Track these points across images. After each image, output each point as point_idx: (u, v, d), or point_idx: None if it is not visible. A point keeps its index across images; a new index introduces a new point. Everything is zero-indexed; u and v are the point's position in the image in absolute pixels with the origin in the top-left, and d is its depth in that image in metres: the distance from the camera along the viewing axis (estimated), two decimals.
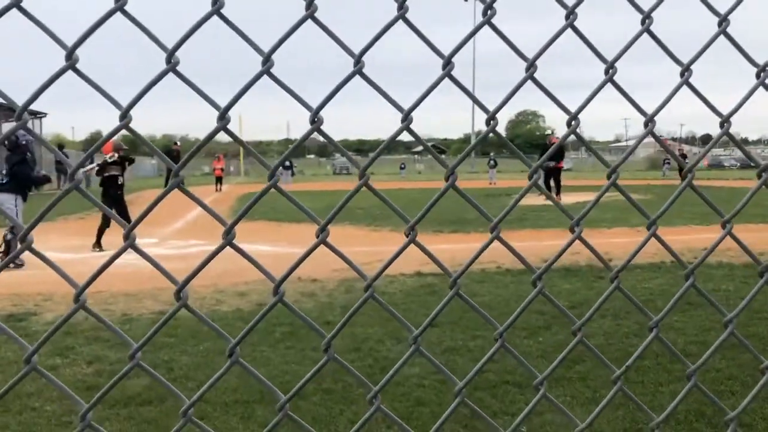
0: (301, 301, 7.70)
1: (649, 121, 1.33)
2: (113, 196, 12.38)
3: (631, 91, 1.37)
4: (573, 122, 1.30)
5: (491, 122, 1.26)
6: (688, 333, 6.15)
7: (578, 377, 4.97)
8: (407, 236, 1.24)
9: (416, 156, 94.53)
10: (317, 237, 1.17)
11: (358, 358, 5.51)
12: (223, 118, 1.13)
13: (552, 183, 22.68)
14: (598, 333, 6.12)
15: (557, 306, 1.30)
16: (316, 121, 1.18)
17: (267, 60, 1.16)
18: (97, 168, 12.64)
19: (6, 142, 10.53)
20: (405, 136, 1.27)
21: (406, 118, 1.24)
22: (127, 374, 1.11)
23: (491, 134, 1.30)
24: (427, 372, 5.04)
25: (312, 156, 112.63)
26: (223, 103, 1.14)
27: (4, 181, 10.39)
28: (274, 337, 6.11)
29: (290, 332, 6.22)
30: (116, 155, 12.55)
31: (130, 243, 1.08)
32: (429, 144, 1.46)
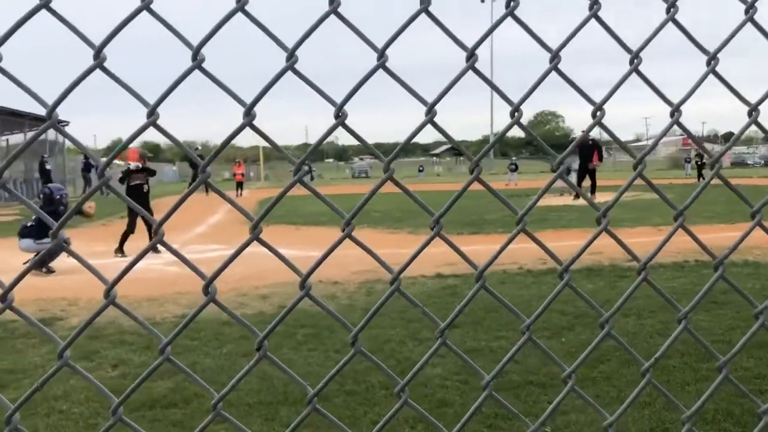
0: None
1: (675, 110, 1.32)
2: (139, 204, 12.49)
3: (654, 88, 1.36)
4: (598, 113, 1.29)
5: (516, 114, 1.26)
6: (714, 332, 6.07)
7: (603, 377, 4.92)
8: (432, 229, 1.23)
9: (434, 158, 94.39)
10: (342, 231, 1.18)
11: (381, 359, 5.49)
12: (249, 113, 1.14)
13: (587, 181, 22.38)
14: (622, 332, 6.06)
15: (584, 298, 1.29)
16: (340, 115, 1.19)
17: (291, 56, 1.17)
18: (120, 175, 12.79)
19: (41, 195, 10.93)
20: (423, 138, 1.27)
21: (430, 111, 1.23)
22: (155, 371, 1.12)
23: (510, 134, 1.29)
24: (449, 372, 5.02)
25: (331, 160, 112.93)
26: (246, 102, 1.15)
27: (29, 225, 10.55)
28: (296, 339, 6.13)
29: (313, 334, 6.23)
30: (140, 165, 12.68)
31: (159, 238, 1.09)
32: (448, 146, 1.46)
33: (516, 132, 1.29)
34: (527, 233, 1.26)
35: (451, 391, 4.75)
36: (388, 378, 1.17)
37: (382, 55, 1.21)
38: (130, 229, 11.98)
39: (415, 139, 1.28)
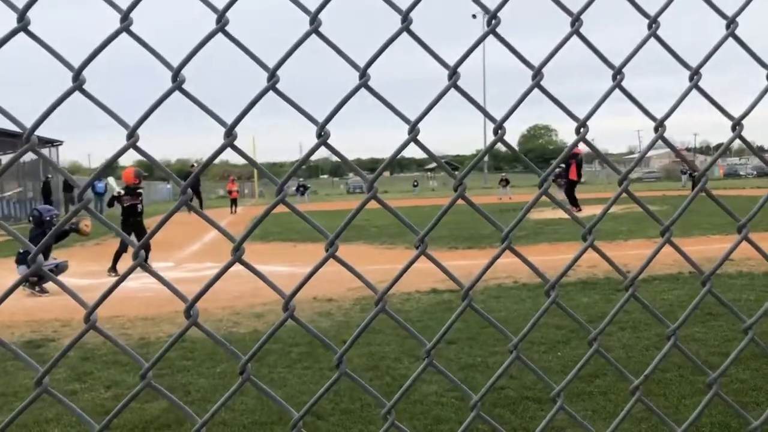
0: (317, 320, 7.68)
1: (659, 125, 1.32)
2: (133, 224, 12.45)
3: (641, 102, 1.36)
4: (582, 129, 1.29)
5: (498, 131, 1.26)
6: (710, 344, 6.05)
7: (599, 391, 4.90)
8: (417, 248, 1.22)
9: (429, 173, 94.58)
10: (326, 251, 1.17)
11: (376, 376, 5.47)
12: (230, 134, 1.14)
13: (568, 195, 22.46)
14: (617, 346, 6.04)
15: (572, 315, 1.28)
16: (322, 135, 1.18)
17: (272, 75, 1.16)
18: (109, 199, 12.85)
19: (31, 218, 10.96)
20: (418, 153, 1.27)
21: (413, 130, 1.23)
22: (139, 393, 1.10)
23: (504, 149, 1.29)
24: (444, 390, 4.99)
25: (326, 176, 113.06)
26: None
27: (22, 251, 10.48)
28: (290, 357, 6.08)
29: (307, 352, 6.19)
30: (127, 187, 12.66)
31: (138, 262, 1.08)
32: (442, 161, 1.45)
33: (510, 143, 1.29)
34: (513, 251, 1.25)
35: (447, 408, 4.72)
36: (375, 400, 1.16)
37: (363, 74, 1.20)
38: (122, 248, 11.94)
39: (410, 154, 1.29)
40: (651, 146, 1.31)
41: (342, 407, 4.74)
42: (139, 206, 12.74)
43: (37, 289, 10.07)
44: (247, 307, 8.47)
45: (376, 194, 1.20)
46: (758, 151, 1.38)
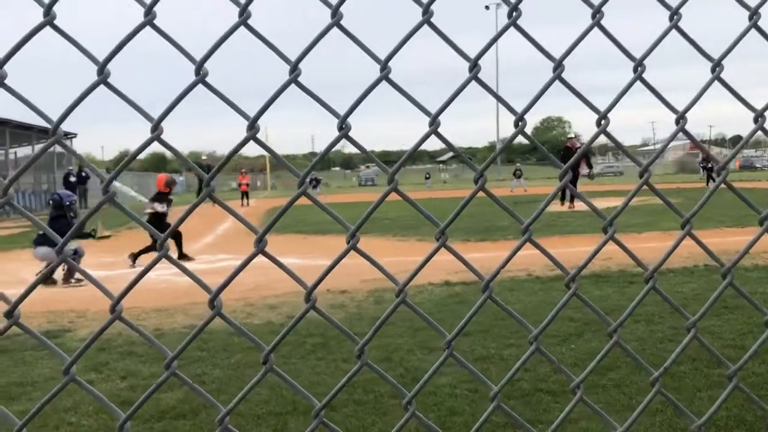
0: (331, 312, 7.69)
1: (681, 118, 1.32)
2: (157, 227, 12.52)
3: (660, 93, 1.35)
4: (603, 121, 1.29)
5: (519, 123, 1.26)
6: (725, 337, 6.02)
7: (613, 384, 4.89)
8: (438, 240, 1.23)
9: (441, 165, 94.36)
10: (347, 243, 1.17)
11: (389, 368, 5.49)
12: (253, 127, 1.14)
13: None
14: (632, 338, 6.02)
15: (592, 307, 1.29)
16: (344, 127, 1.19)
17: (294, 69, 1.17)
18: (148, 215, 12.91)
19: (51, 201, 11.10)
20: (430, 145, 1.28)
21: (434, 122, 1.23)
22: (164, 383, 1.12)
23: (516, 141, 1.29)
24: (458, 381, 5.00)
25: (337, 168, 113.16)
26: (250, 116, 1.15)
27: (41, 232, 10.63)
28: (304, 348, 6.12)
29: (321, 343, 6.22)
30: (158, 206, 12.72)
31: (163, 253, 1.10)
32: (453, 154, 1.46)
33: (522, 138, 1.29)
34: (533, 243, 1.25)
35: (461, 400, 4.73)
36: (395, 392, 1.17)
37: (384, 66, 1.21)
38: (152, 246, 12.04)
39: (422, 147, 1.28)
40: (673, 137, 1.31)
41: (356, 398, 4.76)
42: (167, 217, 12.85)
43: (72, 281, 10.16)
44: (261, 299, 8.51)
45: (397, 186, 1.21)
46: None
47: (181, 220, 1.16)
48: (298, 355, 5.93)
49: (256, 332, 7.12)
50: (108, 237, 11.13)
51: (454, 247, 1.22)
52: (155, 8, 1.10)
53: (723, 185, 1.37)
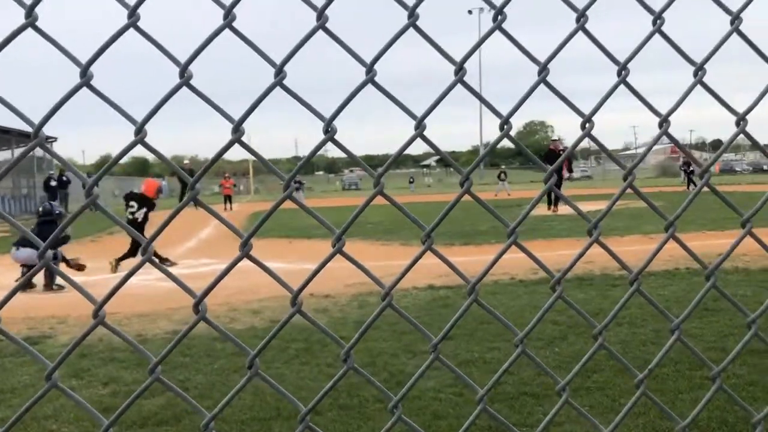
0: (315, 317, 7.64)
1: (664, 121, 1.33)
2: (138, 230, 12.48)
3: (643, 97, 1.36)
4: (587, 125, 1.30)
5: (505, 127, 1.26)
6: (707, 339, 6.08)
7: (596, 387, 4.91)
8: (423, 243, 1.23)
9: (425, 169, 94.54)
10: (333, 247, 1.17)
11: (374, 372, 5.47)
12: (237, 130, 1.14)
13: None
14: (615, 341, 6.06)
15: (577, 310, 1.29)
16: (329, 131, 1.18)
17: (279, 71, 1.17)
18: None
19: (41, 209, 11.34)
20: (414, 150, 1.28)
21: (419, 126, 1.23)
22: (147, 389, 1.10)
23: (500, 144, 1.30)
24: (443, 385, 5.00)
25: (321, 173, 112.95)
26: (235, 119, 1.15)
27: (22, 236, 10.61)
28: (288, 353, 6.09)
29: (305, 348, 6.20)
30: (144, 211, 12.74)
31: (147, 257, 1.08)
32: (438, 157, 1.46)
33: (506, 142, 1.29)
34: (519, 246, 1.26)
35: (445, 404, 4.73)
36: (380, 396, 1.16)
37: (370, 69, 1.21)
38: (132, 251, 12.02)
39: (407, 151, 1.28)
40: (656, 141, 1.32)
41: (340, 403, 4.74)
42: (146, 223, 12.86)
43: (54, 287, 10.15)
44: (244, 304, 8.46)
45: (383, 190, 1.21)
46: (763, 147, 1.38)
47: (165, 225, 1.14)
48: (282, 360, 5.91)
49: (240, 337, 7.00)
50: (83, 268, 11.16)
51: (438, 250, 1.22)
52: (139, 10, 1.09)
53: (705, 189, 1.38)
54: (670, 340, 1.38)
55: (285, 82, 1.17)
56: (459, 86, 1.26)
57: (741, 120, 1.34)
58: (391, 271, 1.24)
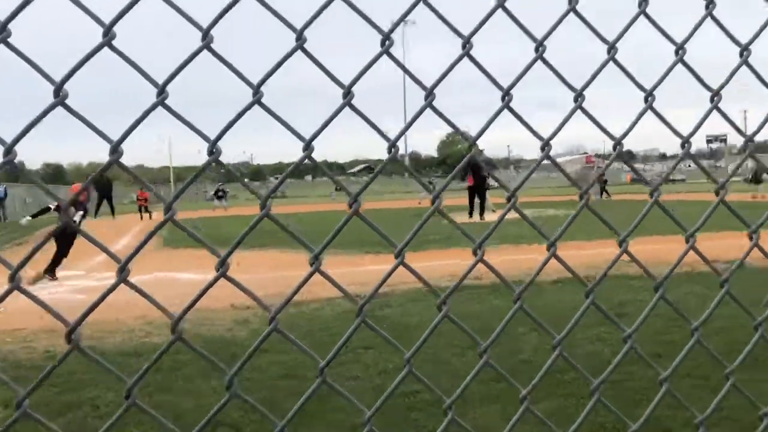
0: (235, 329, 7.55)
1: (546, 145, 1.38)
2: (69, 235, 11.92)
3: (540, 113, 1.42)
4: (474, 146, 1.34)
5: (392, 150, 1.29)
6: (615, 343, 6.24)
7: (506, 393, 4.95)
8: (311, 265, 1.24)
9: (351, 178, 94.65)
10: (217, 271, 1.16)
11: (295, 385, 5.40)
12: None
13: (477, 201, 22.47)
14: (527, 348, 6.21)
15: (463, 329, 1.32)
16: (213, 152, 1.18)
17: (162, 91, 1.15)
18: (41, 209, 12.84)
19: None
20: (341, 158, 1.30)
21: (308, 148, 1.24)
22: (17, 421, 1.06)
23: (425, 152, 1.32)
24: (333, 408, 4.82)
25: (246, 180, 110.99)
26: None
27: None
28: (183, 373, 5.86)
29: (198, 370, 5.92)
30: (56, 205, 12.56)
31: (122, 278, 1.04)
32: (364, 166, 1.47)
33: (430, 151, 1.32)
34: (406, 266, 1.28)
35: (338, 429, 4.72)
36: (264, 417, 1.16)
37: (257, 91, 1.20)
38: (62, 253, 11.61)
39: (333, 159, 1.30)
40: (536, 167, 1.37)
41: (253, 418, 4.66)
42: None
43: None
44: (160, 317, 8.22)
45: (269, 212, 1.21)
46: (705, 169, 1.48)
47: (143, 245, 1.10)
48: (201, 374, 5.76)
49: (154, 352, 6.79)
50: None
51: (353, 259, 1.23)
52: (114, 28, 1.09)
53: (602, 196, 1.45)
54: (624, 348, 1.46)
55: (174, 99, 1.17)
56: (383, 100, 1.28)
57: (686, 142, 1.45)
58: (291, 282, 1.25)
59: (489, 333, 1.39)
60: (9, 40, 1.02)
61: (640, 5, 1.40)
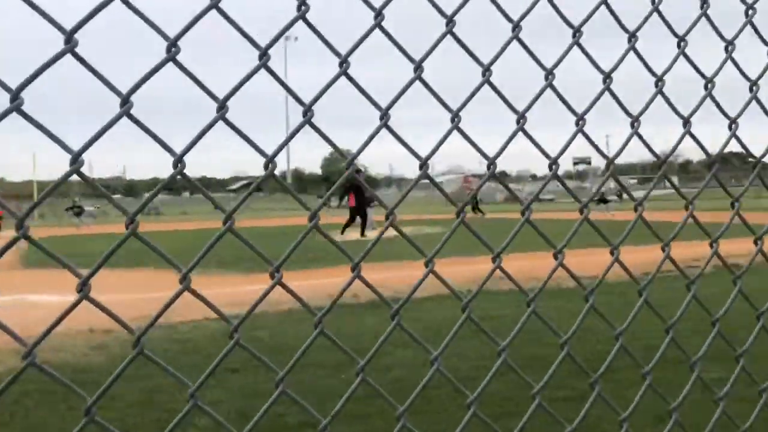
0: (90, 355, 7.06)
1: (423, 164, 1.41)
2: None
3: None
4: (491, 166, 1.37)
5: (268, 167, 1.26)
6: (472, 358, 6.18)
7: (377, 412, 4.88)
8: (181, 283, 1.19)
9: (231, 194, 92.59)
10: (78, 291, 1.08)
11: (150, 410, 5.17)
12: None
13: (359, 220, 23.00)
14: (398, 364, 6.08)
15: (339, 345, 1.31)
16: (76, 162, 1.10)
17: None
18: None
19: None
20: (221, 173, 1.24)
21: (179, 162, 1.19)
22: None
23: (309, 170, 1.30)
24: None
25: (118, 196, 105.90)
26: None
27: None
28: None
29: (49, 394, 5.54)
30: None
31: (84, 295, 0.92)
32: (244, 183, 1.43)
33: (314, 169, 1.30)
34: (283, 286, 1.25)
35: None
36: None
37: (126, 101, 1.14)
38: None
39: (213, 174, 1.25)
40: (413, 186, 1.40)
41: None
42: None
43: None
44: (8, 343, 7.58)
45: (136, 230, 1.15)
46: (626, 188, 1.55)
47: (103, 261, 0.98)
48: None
49: None
50: None
51: (237, 279, 1.18)
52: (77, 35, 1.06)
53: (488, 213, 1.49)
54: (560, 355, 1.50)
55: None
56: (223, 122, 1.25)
57: (611, 163, 1.53)
58: (160, 304, 1.19)
59: (364, 352, 1.39)
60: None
61: (513, 30, 1.47)
